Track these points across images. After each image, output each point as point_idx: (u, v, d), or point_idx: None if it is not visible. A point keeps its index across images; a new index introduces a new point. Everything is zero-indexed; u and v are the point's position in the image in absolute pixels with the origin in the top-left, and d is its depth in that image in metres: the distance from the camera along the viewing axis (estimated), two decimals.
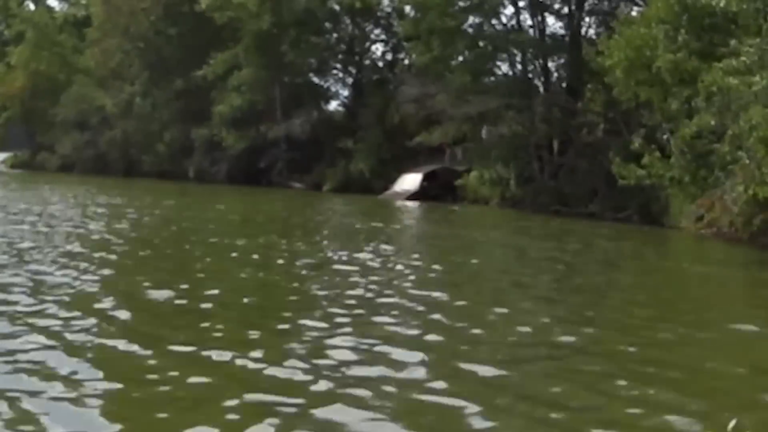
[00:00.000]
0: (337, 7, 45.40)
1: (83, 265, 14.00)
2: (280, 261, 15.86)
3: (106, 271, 13.79)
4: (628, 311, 11.81)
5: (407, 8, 35.87)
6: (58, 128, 58.94)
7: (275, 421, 6.53)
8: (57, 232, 19.44)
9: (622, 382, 7.86)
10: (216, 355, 8.30)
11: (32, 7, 70.90)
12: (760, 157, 17.97)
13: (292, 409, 6.82)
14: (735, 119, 18.83)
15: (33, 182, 45.31)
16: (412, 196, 35.43)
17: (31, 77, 61.22)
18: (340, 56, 46.48)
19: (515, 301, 12.30)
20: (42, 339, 8.79)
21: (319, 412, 6.71)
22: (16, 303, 10.63)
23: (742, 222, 20.08)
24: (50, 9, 69.86)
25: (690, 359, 8.97)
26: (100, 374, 7.71)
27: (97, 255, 15.47)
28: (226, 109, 43.88)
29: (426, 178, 36.22)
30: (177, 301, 11.24)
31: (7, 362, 7.89)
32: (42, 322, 9.55)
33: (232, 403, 6.89)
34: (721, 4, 20.71)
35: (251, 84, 44.12)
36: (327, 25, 45.44)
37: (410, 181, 36.84)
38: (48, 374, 7.56)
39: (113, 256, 15.69)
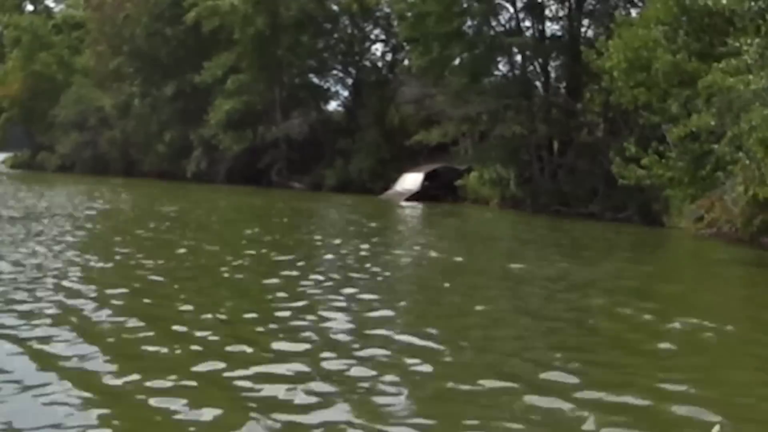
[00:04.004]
0: (335, 8, 45.46)
1: None
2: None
3: None
4: (628, 312, 11.91)
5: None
6: (57, 128, 59.05)
7: None
8: None
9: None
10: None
11: (30, 7, 70.90)
12: (760, 158, 18.05)
13: None
14: (735, 120, 18.88)
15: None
16: (413, 196, 35.08)
17: (29, 79, 61.29)
18: (339, 57, 46.53)
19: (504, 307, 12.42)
20: None
21: None
22: None
23: (742, 222, 20.20)
24: (48, 9, 69.93)
25: (688, 360, 9.09)
26: None
27: None
28: (222, 114, 43.81)
29: (427, 177, 35.93)
30: None
31: None
32: None
33: None
34: (723, 1, 20.67)
35: (250, 85, 44.18)
36: (326, 25, 45.48)
37: (411, 180, 36.48)
38: None
39: None
